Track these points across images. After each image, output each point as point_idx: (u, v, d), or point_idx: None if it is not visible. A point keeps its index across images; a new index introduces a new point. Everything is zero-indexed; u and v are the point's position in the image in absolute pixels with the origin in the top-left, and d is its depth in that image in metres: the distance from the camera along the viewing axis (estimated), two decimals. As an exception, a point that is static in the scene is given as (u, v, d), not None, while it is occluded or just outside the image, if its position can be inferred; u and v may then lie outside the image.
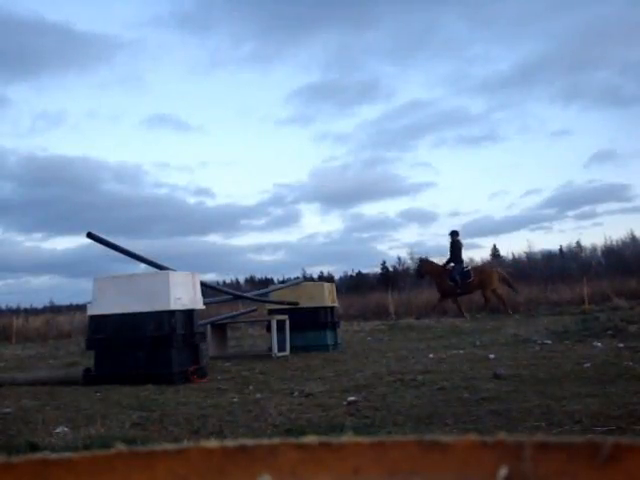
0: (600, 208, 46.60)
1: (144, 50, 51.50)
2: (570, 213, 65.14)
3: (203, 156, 64.31)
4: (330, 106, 58.18)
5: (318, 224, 56.16)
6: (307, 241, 53.34)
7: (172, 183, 59.18)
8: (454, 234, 15.98)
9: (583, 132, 52.17)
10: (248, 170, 58.59)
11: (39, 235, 59.43)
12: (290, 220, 57.51)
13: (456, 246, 15.92)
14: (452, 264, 15.77)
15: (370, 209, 67.29)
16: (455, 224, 64.61)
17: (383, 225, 56.18)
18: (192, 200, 56.84)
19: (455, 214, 52.22)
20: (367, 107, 58.71)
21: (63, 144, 56.63)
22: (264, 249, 60.69)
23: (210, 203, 56.79)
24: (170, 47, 54.53)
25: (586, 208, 62.06)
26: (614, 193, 59.16)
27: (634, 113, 48.22)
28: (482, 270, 16.28)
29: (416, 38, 50.77)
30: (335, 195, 54.65)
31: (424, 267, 16.37)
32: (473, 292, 15.91)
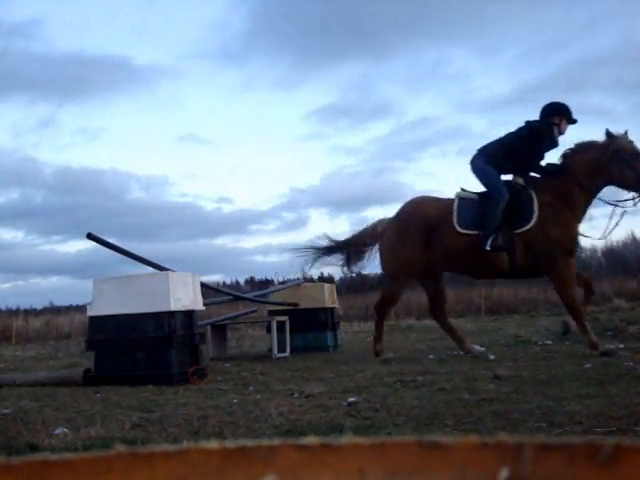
0: (595, 212, 49.48)
1: (187, 77, 57.58)
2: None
3: (226, 169, 68.08)
4: (345, 123, 61.77)
5: (326, 227, 58.59)
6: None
7: (196, 193, 62.43)
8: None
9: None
10: (265, 179, 61.91)
11: (58, 238, 61.10)
12: (299, 224, 60.28)
13: None
14: None
15: (375, 213, 70.30)
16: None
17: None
18: (211, 206, 59.64)
19: (456, 216, 54.33)
20: (379, 124, 62.48)
21: (97, 157, 60.78)
22: (271, 251, 63.55)
23: (227, 209, 59.64)
24: (210, 74, 63.38)
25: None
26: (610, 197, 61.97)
27: (624, 128, 51.82)
28: None
29: (428, 68, 55.88)
30: (343, 200, 57.55)
31: None
32: None
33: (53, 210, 54.47)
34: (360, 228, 7.49)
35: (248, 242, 64.12)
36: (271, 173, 63.29)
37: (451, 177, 61.88)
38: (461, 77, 56.31)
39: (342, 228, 65.23)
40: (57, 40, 56.68)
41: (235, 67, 63.51)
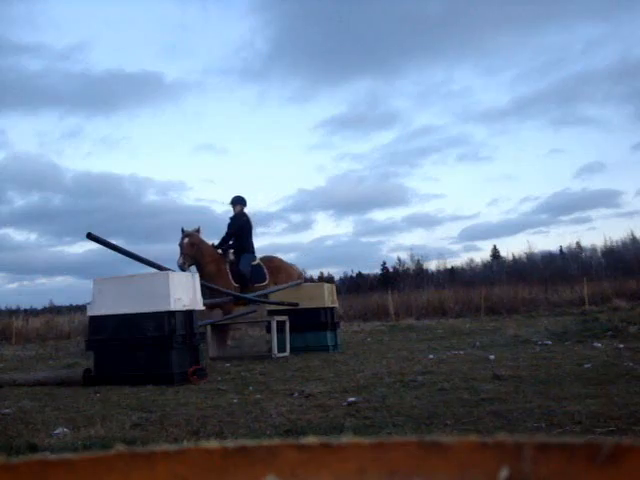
0: (592, 214, 51.70)
1: (211, 92, 62.45)
2: (564, 218, 69.77)
3: (240, 176, 73.74)
4: (352, 133, 68.98)
5: (331, 228, 63.16)
6: (316, 244, 58.09)
7: (212, 198, 67.75)
8: (237, 202, 9.91)
9: (573, 151, 60.17)
10: (274, 184, 67.18)
11: (69, 239, 63.65)
12: (305, 225, 63.11)
13: (241, 223, 9.75)
14: (232, 250, 9.75)
15: (379, 215, 77.30)
16: (456, 228, 69.51)
17: (390, 229, 61.60)
18: (222, 209, 63.46)
19: (456, 218, 56.70)
20: (384, 133, 69.84)
21: (118, 164, 65.34)
22: (276, 252, 66.71)
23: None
24: (231, 90, 66.60)
25: (578, 214, 68.68)
26: (603, 200, 67.57)
27: (618, 137, 57.46)
28: (279, 267, 9.97)
29: (433, 87, 61.75)
30: (349, 203, 61.30)
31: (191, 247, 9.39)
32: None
33: (69, 212, 57.35)
34: None
35: (254, 242, 67.84)
36: (281, 178, 69.58)
37: (451, 181, 65.21)
38: (464, 93, 63.20)
39: (347, 229, 69.55)
40: (97, 61, 64.12)
41: (253, 83, 71.92)
